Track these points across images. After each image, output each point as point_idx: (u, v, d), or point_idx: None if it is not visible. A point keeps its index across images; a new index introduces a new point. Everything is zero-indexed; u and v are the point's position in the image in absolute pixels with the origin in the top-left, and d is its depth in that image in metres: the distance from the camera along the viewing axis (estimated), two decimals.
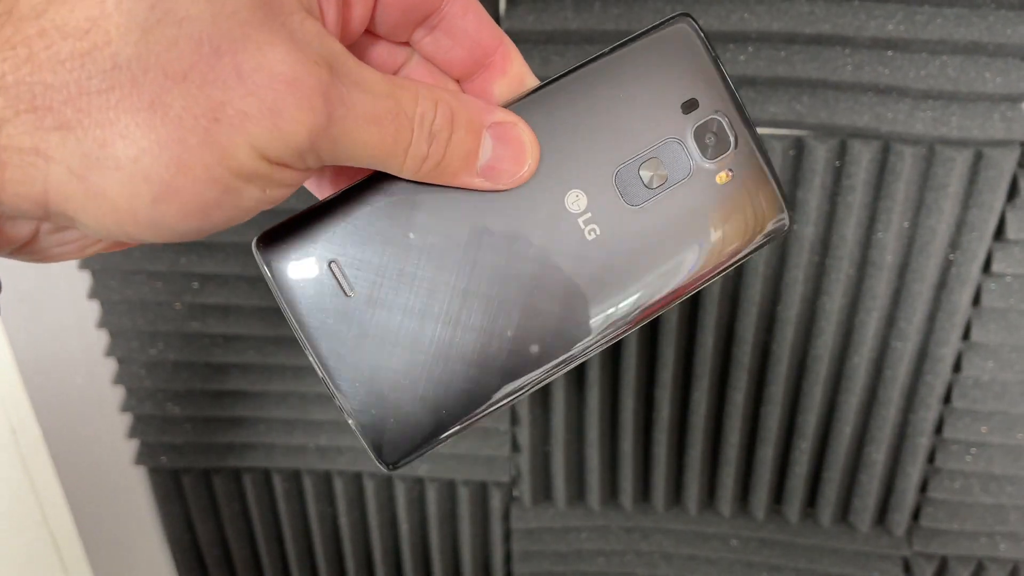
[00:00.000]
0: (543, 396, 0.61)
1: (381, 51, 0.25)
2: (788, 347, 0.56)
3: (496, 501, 0.65)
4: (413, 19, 0.24)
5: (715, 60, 0.24)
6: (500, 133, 0.23)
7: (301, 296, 0.23)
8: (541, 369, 0.24)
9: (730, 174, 0.24)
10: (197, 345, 0.61)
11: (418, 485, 0.66)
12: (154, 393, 0.63)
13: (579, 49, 0.48)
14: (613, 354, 0.59)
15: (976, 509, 0.60)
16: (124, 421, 0.65)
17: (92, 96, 0.17)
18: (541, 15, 0.47)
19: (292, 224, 0.23)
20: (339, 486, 0.67)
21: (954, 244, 0.52)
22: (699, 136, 0.24)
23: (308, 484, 0.67)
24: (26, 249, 0.22)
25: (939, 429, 0.58)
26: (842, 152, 0.50)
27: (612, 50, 0.24)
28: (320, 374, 0.23)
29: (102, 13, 0.17)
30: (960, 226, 0.51)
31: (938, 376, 0.55)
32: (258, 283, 0.59)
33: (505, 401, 0.23)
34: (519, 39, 0.48)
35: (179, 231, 0.19)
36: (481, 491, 0.66)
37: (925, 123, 0.48)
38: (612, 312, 0.24)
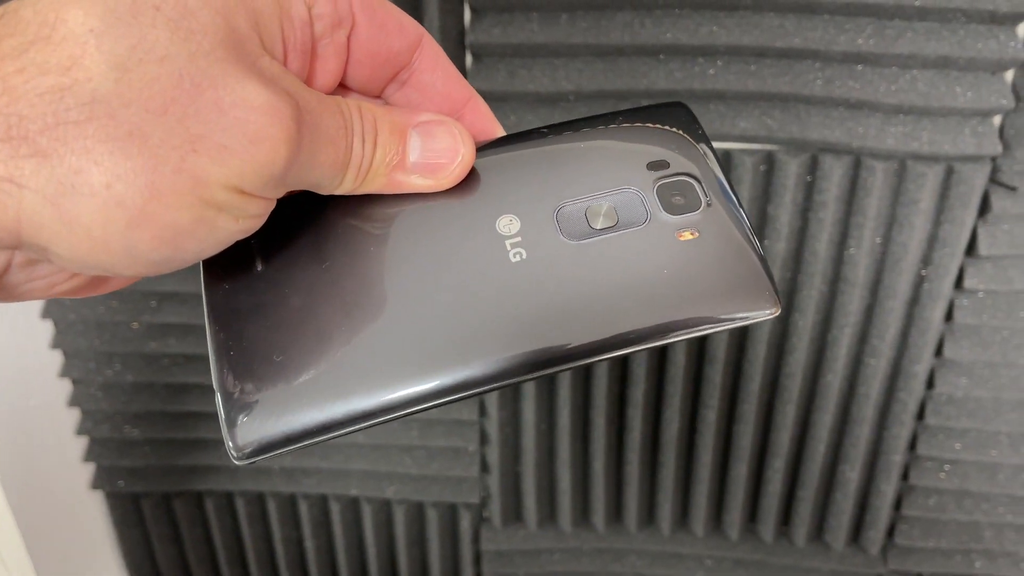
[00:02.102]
0: (513, 415, 0.59)
1: None
2: (760, 365, 0.55)
3: (466, 523, 0.64)
4: (384, 75, 0.25)
5: (701, 135, 0.24)
6: (427, 130, 0.23)
7: (215, 265, 0.22)
8: (429, 387, 0.21)
9: (695, 233, 0.23)
10: (156, 365, 0.60)
11: (385, 507, 0.64)
12: (111, 415, 0.61)
13: (545, 62, 0.47)
14: (584, 372, 0.58)
15: (951, 526, 0.59)
16: (80, 444, 0.63)
17: (69, 126, 0.18)
18: (507, 28, 0.46)
19: None
20: (304, 509, 0.65)
21: (926, 260, 0.51)
22: (663, 192, 0.23)
23: (272, 507, 0.65)
24: None
25: (913, 446, 0.57)
26: (813, 167, 0.49)
27: (601, 115, 0.24)
28: (209, 344, 0.22)
29: (83, 52, 0.18)
30: (932, 242, 0.50)
31: (911, 393, 0.55)
32: None
33: (383, 417, 0.21)
34: (484, 53, 0.47)
35: (153, 259, 0.19)
36: (450, 513, 0.64)
37: (896, 138, 0.47)
38: (527, 343, 0.22)
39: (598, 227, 0.23)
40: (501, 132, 0.25)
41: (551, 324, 0.22)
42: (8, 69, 0.18)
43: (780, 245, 0.51)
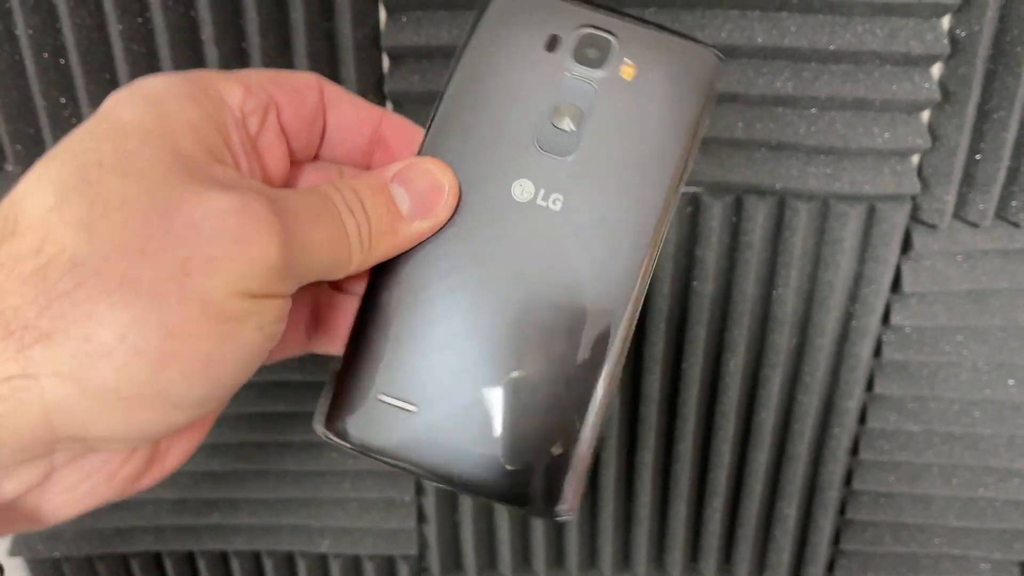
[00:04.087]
0: None
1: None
2: (695, 404, 0.55)
3: (404, 574, 0.62)
4: (315, 143, 0.26)
5: None
6: (403, 177, 0.23)
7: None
8: (618, 339, 0.23)
9: (630, 63, 0.23)
10: None
11: (321, 561, 0.62)
12: None
13: None
14: None
15: (888, 559, 0.59)
16: None
17: (62, 299, 0.17)
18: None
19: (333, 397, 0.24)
20: (236, 566, 0.62)
21: (853, 297, 0.51)
22: (579, 58, 0.24)
23: (203, 566, 0.63)
24: (30, 509, 0.21)
25: (848, 481, 0.57)
26: (738, 208, 0.49)
27: (467, 39, 0.24)
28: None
29: (49, 230, 0.18)
30: (858, 279, 0.51)
31: (844, 429, 0.55)
32: None
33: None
34: (401, 54, 0.46)
35: (192, 399, 0.19)
36: (388, 565, 0.62)
37: (818, 178, 0.47)
38: (636, 237, 0.23)
39: (576, 128, 0.23)
40: (421, 131, 0.25)
41: (630, 215, 0.23)
42: None
43: (708, 286, 0.51)
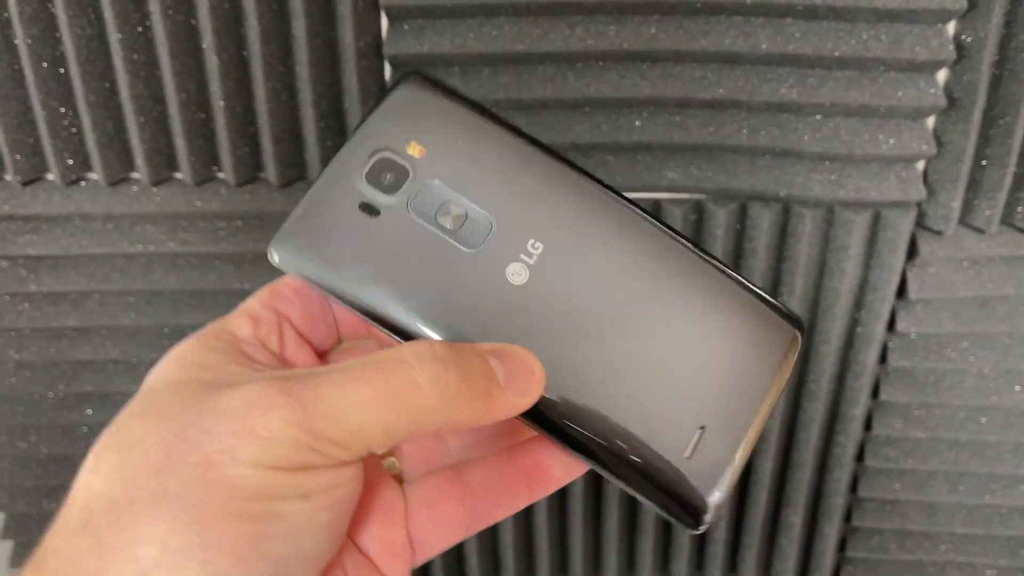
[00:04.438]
0: None
1: None
2: None
3: None
4: (333, 330, 0.27)
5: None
6: (499, 354, 0.23)
7: None
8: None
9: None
10: (74, 436, 0.57)
11: None
12: (28, 490, 0.58)
13: (470, 71, 0.46)
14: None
15: (894, 566, 0.59)
16: None
17: (106, 534, 0.18)
18: (420, 38, 0.45)
19: None
20: None
21: (858, 304, 0.51)
22: (373, 179, 0.25)
23: None
24: None
25: (854, 488, 0.57)
26: (742, 215, 0.49)
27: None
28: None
29: (89, 489, 0.19)
30: (863, 286, 0.50)
31: (850, 436, 0.54)
32: (138, 368, 0.54)
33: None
34: (404, 63, 0.46)
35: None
36: None
37: (823, 185, 0.47)
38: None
39: (457, 225, 0.25)
40: None
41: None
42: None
43: None
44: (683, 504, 0.23)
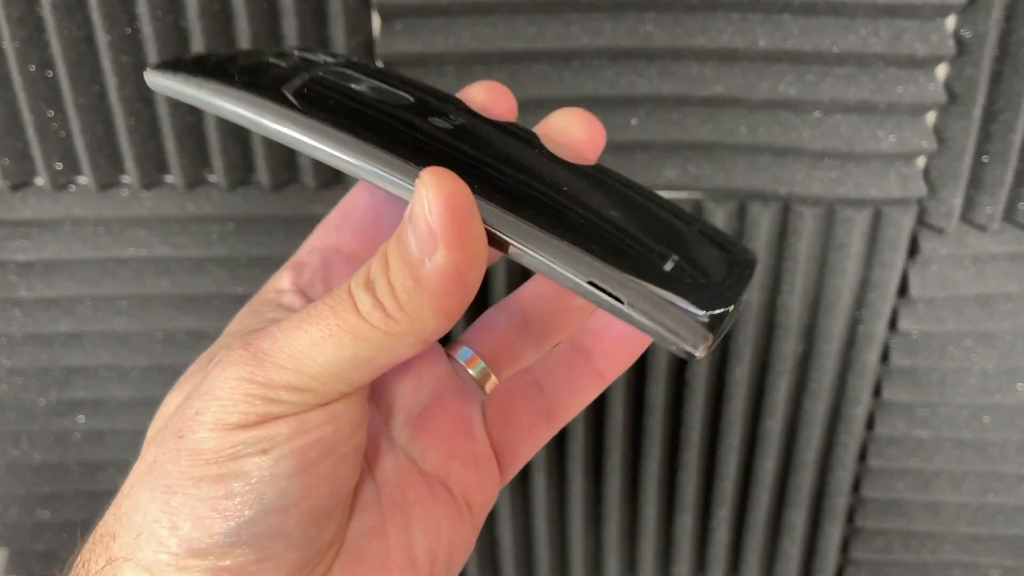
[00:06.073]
0: None
1: None
2: (700, 413, 0.54)
3: None
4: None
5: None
6: (409, 216, 0.20)
7: None
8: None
9: None
10: (66, 443, 0.56)
11: None
12: (21, 498, 0.57)
13: (464, 70, 0.46)
14: None
15: (898, 567, 0.58)
16: None
17: (123, 502, 0.21)
18: (413, 37, 0.45)
19: None
20: None
21: (859, 303, 0.50)
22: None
23: None
24: None
25: (857, 488, 0.56)
26: (742, 214, 0.48)
27: None
28: None
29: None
30: (864, 285, 0.50)
31: (852, 436, 0.54)
32: (130, 373, 0.54)
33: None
34: (396, 62, 0.45)
35: (229, 541, 0.19)
36: None
37: (823, 183, 0.47)
38: None
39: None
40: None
41: None
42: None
43: None
44: (681, 312, 0.19)
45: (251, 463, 0.19)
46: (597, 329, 0.27)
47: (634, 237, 0.22)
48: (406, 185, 0.20)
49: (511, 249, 0.20)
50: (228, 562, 0.19)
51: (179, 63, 0.23)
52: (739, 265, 0.23)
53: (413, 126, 0.23)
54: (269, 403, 0.19)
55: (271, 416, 0.19)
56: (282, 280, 0.24)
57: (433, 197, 0.18)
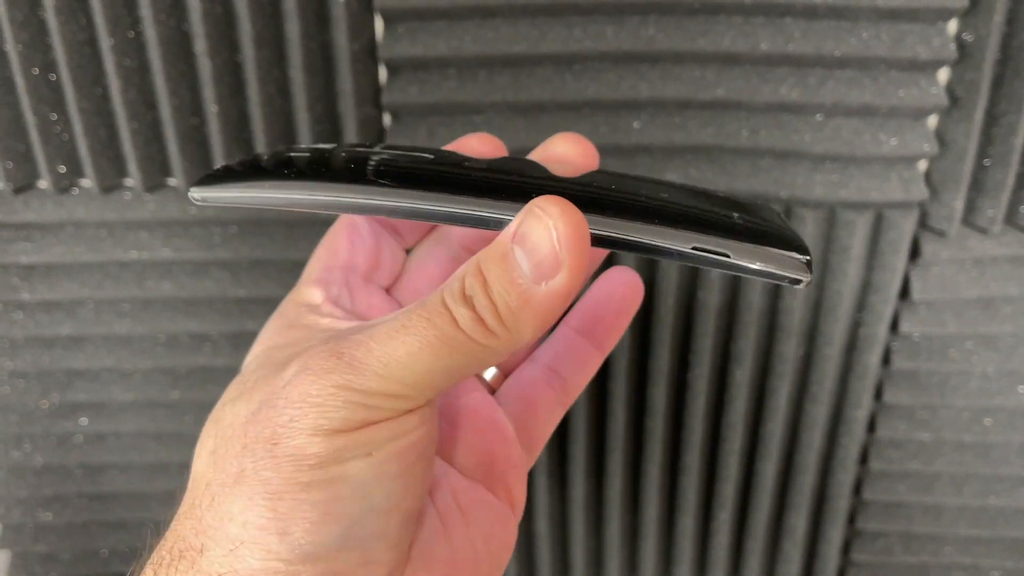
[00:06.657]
0: None
1: None
2: (701, 416, 0.54)
3: None
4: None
5: None
6: (520, 235, 0.21)
7: None
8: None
9: None
10: (68, 445, 0.56)
11: None
12: (23, 500, 0.57)
13: (465, 119, 0.46)
14: None
15: (899, 569, 0.58)
16: None
17: (206, 514, 0.20)
18: (424, 87, 0.45)
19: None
20: None
21: (861, 306, 0.50)
22: None
23: None
24: None
25: (858, 491, 0.56)
26: None
27: None
28: None
29: (195, 476, 0.22)
30: (865, 288, 0.50)
31: (854, 438, 0.54)
32: (132, 376, 0.54)
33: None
34: (403, 112, 0.45)
35: (332, 544, 0.20)
36: None
37: (825, 186, 0.47)
38: None
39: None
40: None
41: None
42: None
43: (714, 296, 0.50)
44: (791, 245, 0.22)
45: (356, 466, 0.20)
46: (591, 309, 0.29)
47: (694, 208, 0.24)
48: (502, 217, 0.22)
49: (620, 246, 0.22)
50: (337, 565, 0.19)
51: (220, 175, 0.24)
52: (776, 215, 0.25)
53: (463, 171, 0.24)
54: (368, 409, 0.20)
55: (370, 421, 0.20)
56: (313, 295, 0.26)
57: (561, 226, 0.20)
